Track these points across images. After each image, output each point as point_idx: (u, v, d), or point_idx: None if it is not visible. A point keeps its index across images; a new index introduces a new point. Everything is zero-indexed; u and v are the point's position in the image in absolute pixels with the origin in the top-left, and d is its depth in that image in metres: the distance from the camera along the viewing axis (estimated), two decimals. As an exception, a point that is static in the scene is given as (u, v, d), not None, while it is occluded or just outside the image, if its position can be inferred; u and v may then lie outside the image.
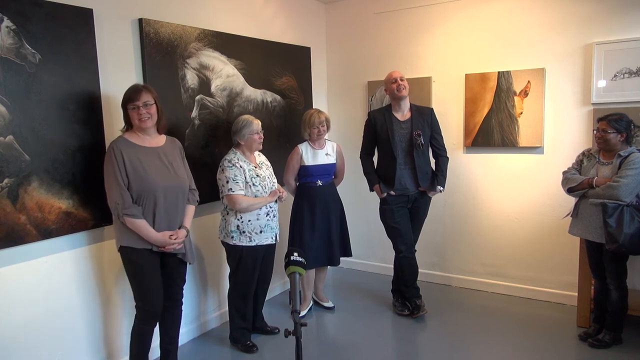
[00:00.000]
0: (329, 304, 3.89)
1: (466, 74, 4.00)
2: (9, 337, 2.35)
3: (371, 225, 4.40)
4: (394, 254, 3.67)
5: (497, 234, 4.06)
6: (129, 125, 2.54)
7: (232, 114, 3.49)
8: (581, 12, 3.53)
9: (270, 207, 3.16)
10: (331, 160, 3.64)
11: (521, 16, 3.75)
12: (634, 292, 3.17)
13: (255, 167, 3.15)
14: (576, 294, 3.45)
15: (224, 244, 3.15)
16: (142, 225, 2.45)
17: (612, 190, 2.83)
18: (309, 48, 4.42)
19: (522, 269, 3.97)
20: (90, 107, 2.63)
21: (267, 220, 3.13)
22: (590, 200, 2.95)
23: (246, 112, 3.57)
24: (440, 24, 4.11)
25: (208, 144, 3.36)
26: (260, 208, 3.09)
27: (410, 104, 3.60)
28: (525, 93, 3.77)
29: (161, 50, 3.00)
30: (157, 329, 2.78)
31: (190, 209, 2.73)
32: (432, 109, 3.69)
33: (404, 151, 3.52)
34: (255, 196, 3.08)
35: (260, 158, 3.28)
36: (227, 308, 3.30)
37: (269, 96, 3.91)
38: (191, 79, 3.21)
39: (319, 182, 3.58)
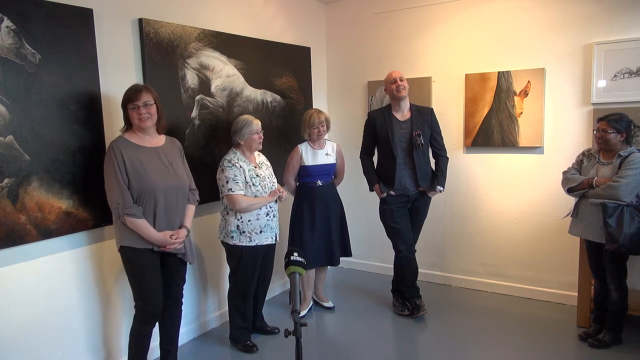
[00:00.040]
0: (329, 304, 3.89)
1: (466, 74, 4.00)
2: (9, 337, 2.35)
3: (371, 225, 4.40)
4: (394, 254, 3.67)
5: (497, 234, 4.06)
6: (128, 125, 2.54)
7: (232, 114, 3.49)
8: (581, 12, 3.53)
9: (270, 207, 3.16)
10: (331, 160, 3.64)
11: (521, 16, 3.76)
12: (634, 292, 3.17)
13: (255, 167, 3.15)
14: (576, 294, 3.45)
15: (224, 244, 3.15)
16: (143, 225, 2.45)
17: (612, 190, 2.83)
18: (309, 48, 4.42)
19: (522, 269, 3.97)
20: (90, 107, 2.63)
21: (267, 220, 3.13)
22: (590, 200, 2.95)
23: (246, 112, 3.57)
24: (440, 24, 4.11)
25: (208, 144, 3.36)
26: (260, 208, 3.09)
27: (410, 104, 3.60)
28: (525, 93, 3.77)
29: (161, 50, 3.00)
30: (156, 329, 2.78)
31: (191, 209, 2.73)
32: (432, 109, 3.69)
33: (403, 151, 3.52)
34: (255, 196, 3.08)
35: (260, 158, 3.28)
36: (227, 308, 3.30)
37: (269, 96, 3.91)
38: (191, 79, 3.21)
39: (319, 182, 3.58)
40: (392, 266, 3.76)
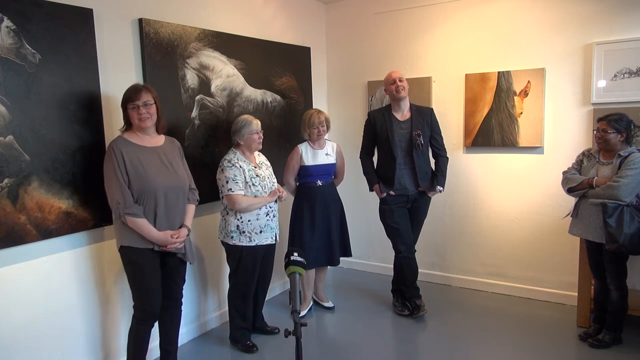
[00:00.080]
0: (329, 304, 3.89)
1: (466, 74, 4.00)
2: (9, 337, 2.35)
3: (371, 225, 4.40)
4: (394, 254, 3.67)
5: (497, 234, 4.06)
6: (128, 125, 2.54)
7: (232, 114, 3.49)
8: (581, 12, 3.53)
9: (270, 207, 3.16)
10: (331, 160, 3.64)
11: (521, 16, 3.76)
12: (634, 292, 3.17)
13: (255, 167, 3.15)
14: (576, 294, 3.45)
15: (224, 244, 3.15)
16: (144, 225, 2.45)
17: (612, 190, 2.83)
18: (309, 48, 4.42)
19: (522, 269, 3.97)
20: (90, 107, 2.63)
21: (267, 220, 3.13)
22: (590, 200, 2.95)
23: (246, 112, 3.57)
24: (440, 24, 4.11)
25: (208, 144, 3.36)
26: (260, 208, 3.09)
27: (410, 104, 3.60)
28: (525, 93, 3.77)
29: (161, 50, 3.00)
30: (156, 329, 2.78)
31: (191, 208, 2.73)
32: (431, 109, 3.69)
33: (403, 151, 3.52)
34: (255, 196, 3.08)
35: (260, 158, 3.28)
36: (227, 308, 3.30)
37: (269, 96, 3.91)
38: (191, 79, 3.21)
39: (319, 182, 3.58)
40: (392, 266, 3.76)
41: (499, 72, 3.85)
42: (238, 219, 3.05)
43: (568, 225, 3.20)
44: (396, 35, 4.34)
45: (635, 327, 3.26)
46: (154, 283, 2.57)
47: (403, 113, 3.56)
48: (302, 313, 3.71)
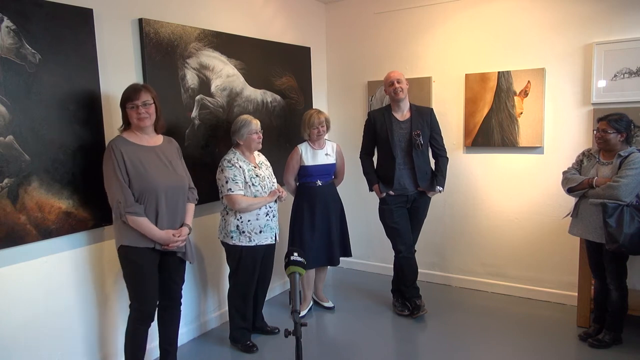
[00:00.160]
0: (329, 304, 3.89)
1: (466, 74, 4.00)
2: (9, 337, 2.35)
3: (371, 225, 4.40)
4: (393, 254, 3.67)
5: (497, 234, 4.06)
6: (127, 125, 2.54)
7: (232, 114, 3.49)
8: (581, 12, 3.53)
9: (270, 207, 3.16)
10: (331, 160, 3.64)
11: (521, 16, 3.75)
12: (634, 292, 3.16)
13: (255, 167, 3.15)
14: (576, 294, 3.45)
15: (224, 244, 3.15)
16: (145, 223, 2.45)
17: (612, 190, 2.83)
18: (309, 48, 4.42)
19: (522, 269, 3.97)
20: (90, 107, 2.63)
21: (267, 220, 3.13)
22: (590, 200, 2.95)
23: (246, 112, 3.57)
24: (440, 24, 4.11)
25: (208, 144, 3.36)
26: (260, 208, 3.09)
27: (410, 104, 3.60)
28: (525, 93, 3.77)
29: (161, 50, 3.00)
30: (155, 330, 2.78)
31: (191, 207, 2.73)
32: (431, 109, 3.69)
33: (403, 151, 3.52)
34: (255, 196, 3.08)
35: (260, 158, 3.28)
36: (227, 308, 3.30)
37: (269, 96, 3.91)
38: (191, 79, 3.21)
39: (319, 182, 3.58)
40: (392, 266, 3.76)
41: (499, 72, 3.85)
42: (238, 219, 3.05)
43: (568, 225, 3.20)
44: (396, 35, 4.34)
45: (635, 327, 3.26)
46: (153, 283, 2.57)
47: (403, 113, 3.56)
48: (302, 313, 3.71)
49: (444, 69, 4.13)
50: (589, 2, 3.50)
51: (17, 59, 2.30)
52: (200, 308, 3.48)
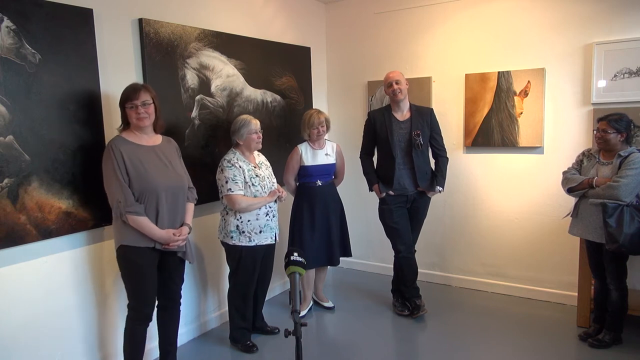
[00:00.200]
0: (329, 304, 3.89)
1: (466, 74, 4.00)
2: (9, 337, 2.35)
3: (371, 225, 4.40)
4: (393, 254, 3.67)
5: (497, 234, 4.06)
6: (125, 124, 2.54)
7: (232, 114, 3.49)
8: (581, 12, 3.53)
9: (270, 207, 3.16)
10: (331, 160, 3.64)
11: (521, 16, 3.76)
12: (634, 292, 3.16)
13: (255, 167, 3.15)
14: (576, 294, 3.45)
15: (224, 244, 3.15)
16: (145, 223, 2.45)
17: (612, 190, 2.83)
18: (309, 48, 4.42)
19: (522, 269, 3.97)
20: (90, 107, 2.63)
21: (267, 220, 3.13)
22: (590, 200, 2.95)
23: (246, 112, 3.57)
24: (440, 24, 4.11)
25: (208, 144, 3.36)
26: (260, 208, 3.09)
27: (410, 104, 3.60)
28: (525, 93, 3.77)
29: (161, 50, 3.00)
30: (155, 330, 2.78)
31: (190, 207, 2.73)
32: (431, 109, 3.69)
33: (402, 151, 3.52)
34: (255, 196, 3.08)
35: (260, 158, 3.28)
36: (227, 308, 3.30)
37: (269, 96, 3.91)
38: (191, 79, 3.21)
39: (319, 182, 3.58)
40: (392, 266, 3.76)
41: (499, 72, 3.85)
42: (238, 219, 3.05)
43: (568, 225, 3.20)
44: (396, 35, 4.34)
45: (635, 327, 3.26)
46: (152, 283, 2.57)
47: (403, 113, 3.56)
48: (302, 313, 3.71)
49: (444, 69, 4.13)
50: (589, 2, 3.50)
51: (17, 59, 2.30)
52: (200, 308, 3.48)
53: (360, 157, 3.74)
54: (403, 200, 3.57)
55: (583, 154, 3.15)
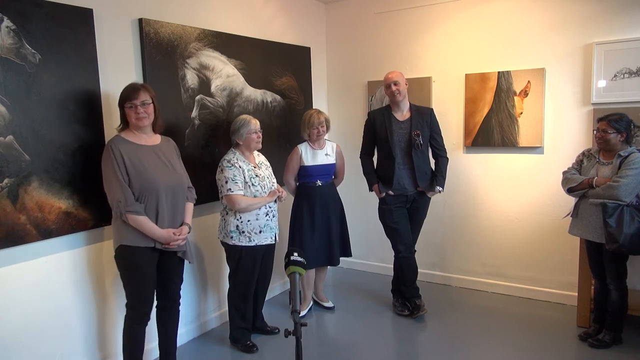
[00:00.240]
0: (329, 304, 3.89)
1: (466, 74, 4.00)
2: (9, 337, 2.35)
3: (371, 225, 4.40)
4: (393, 253, 3.67)
5: (497, 234, 4.06)
6: (125, 124, 2.54)
7: (232, 114, 3.49)
8: (581, 12, 3.53)
9: (270, 207, 3.16)
10: (331, 160, 3.64)
11: (521, 16, 3.76)
12: (634, 292, 3.16)
13: (255, 167, 3.15)
14: (576, 294, 3.45)
15: (224, 244, 3.15)
16: (146, 222, 2.45)
17: (612, 190, 2.83)
18: (309, 48, 4.42)
19: (522, 269, 3.97)
20: (90, 107, 2.63)
21: (267, 220, 3.13)
22: (590, 200, 2.95)
23: (246, 112, 3.57)
24: (440, 24, 4.11)
25: (208, 144, 3.36)
26: (260, 208, 3.09)
27: (410, 104, 3.60)
28: (525, 93, 3.77)
29: (161, 50, 3.00)
30: (155, 330, 2.78)
31: (190, 207, 2.73)
32: (431, 109, 3.69)
33: (402, 151, 3.52)
34: (255, 196, 3.08)
35: (260, 158, 3.28)
36: (227, 308, 3.30)
37: (269, 96, 3.91)
38: (191, 79, 3.21)
39: (319, 182, 3.58)
40: (392, 266, 3.76)
41: (499, 72, 3.85)
42: (237, 219, 3.05)
43: (568, 225, 3.20)
44: (396, 35, 4.34)
45: (635, 327, 3.26)
46: (151, 283, 2.58)
47: (403, 113, 3.56)
48: (302, 313, 3.71)
49: (444, 69, 4.13)
50: (589, 2, 3.50)
51: (17, 59, 2.30)
52: (200, 308, 3.48)
53: (360, 157, 3.74)
54: (403, 200, 3.57)
55: (583, 154, 3.15)
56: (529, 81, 3.74)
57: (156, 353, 2.91)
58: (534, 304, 3.85)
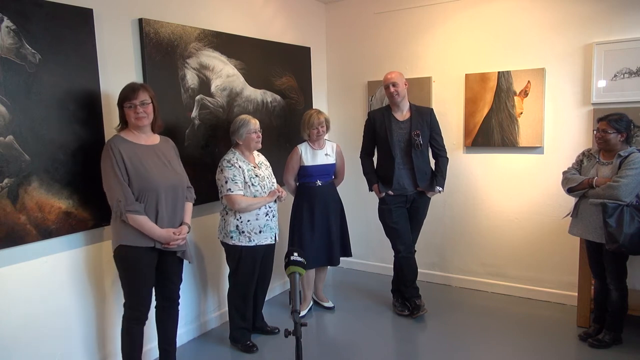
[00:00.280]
0: (329, 304, 3.89)
1: (466, 74, 4.00)
2: (9, 337, 2.35)
3: (371, 225, 4.40)
4: (393, 253, 3.67)
5: (497, 234, 4.05)
6: (124, 124, 2.54)
7: (232, 114, 3.49)
8: (581, 12, 3.53)
9: (270, 207, 3.16)
10: (330, 160, 3.64)
11: (521, 16, 3.76)
12: (634, 292, 3.16)
13: (255, 167, 3.15)
14: (576, 294, 3.45)
15: (224, 244, 3.15)
16: (146, 222, 2.45)
17: (612, 190, 2.83)
18: (309, 48, 4.42)
19: (522, 269, 3.97)
20: (90, 107, 2.63)
21: (267, 220, 3.13)
22: (590, 200, 2.95)
23: (246, 112, 3.57)
24: (440, 24, 4.11)
25: (208, 144, 3.36)
26: (260, 208, 3.09)
27: (410, 104, 3.60)
28: (525, 93, 3.77)
29: (161, 50, 3.00)
30: (154, 330, 2.78)
31: (189, 206, 2.73)
32: (431, 109, 3.69)
33: (402, 151, 3.52)
34: (254, 196, 3.08)
35: (260, 158, 3.28)
36: (227, 308, 3.30)
37: (269, 96, 3.92)
38: (191, 79, 3.21)
39: (319, 182, 3.58)
40: (392, 266, 3.76)
41: (499, 72, 3.85)
42: (237, 219, 3.05)
43: (568, 225, 3.20)
44: (396, 35, 4.34)
45: (635, 327, 3.26)
46: (149, 283, 2.58)
47: (402, 113, 3.56)
48: (302, 313, 3.71)
49: (444, 69, 4.13)
50: (589, 2, 3.50)
51: (17, 59, 2.30)
52: (200, 308, 3.48)
53: (360, 157, 3.74)
54: (402, 200, 3.57)
55: (583, 154, 3.15)
56: (529, 81, 3.74)
57: (156, 353, 2.91)
58: (534, 304, 3.85)
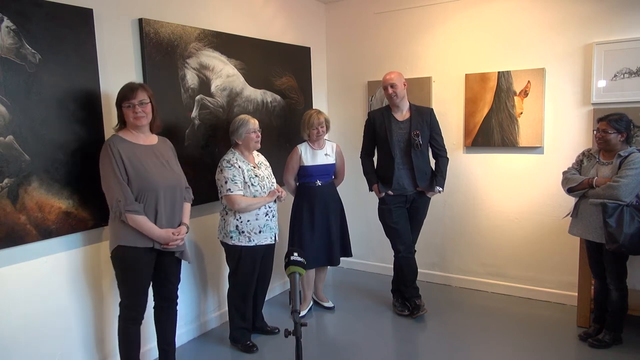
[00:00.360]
0: (329, 304, 3.89)
1: (466, 74, 4.00)
2: (9, 337, 2.35)
3: (371, 225, 4.40)
4: (393, 253, 3.67)
5: (497, 234, 4.05)
6: (122, 124, 2.54)
7: (232, 114, 3.49)
8: (581, 12, 3.53)
9: (270, 207, 3.16)
10: (330, 160, 3.64)
11: (521, 16, 3.76)
12: (634, 292, 3.16)
13: (254, 167, 3.15)
14: (576, 294, 3.45)
15: (223, 244, 3.15)
16: (145, 222, 2.45)
17: (612, 190, 2.83)
18: (309, 48, 4.42)
19: (522, 269, 3.97)
20: (90, 107, 2.63)
21: (266, 220, 3.13)
22: (590, 200, 2.95)
23: (246, 112, 3.57)
24: (440, 24, 4.11)
25: (208, 144, 3.36)
26: (259, 208, 3.09)
27: (410, 104, 3.60)
28: (525, 93, 3.77)
29: (161, 50, 3.00)
30: (153, 330, 2.78)
31: (187, 207, 2.73)
32: (431, 109, 3.68)
33: (402, 151, 3.52)
34: (254, 196, 3.08)
35: (259, 158, 3.28)
36: (227, 308, 3.30)
37: (269, 96, 3.92)
38: (191, 79, 3.21)
39: (318, 182, 3.58)
40: (392, 266, 3.76)
41: (499, 72, 3.85)
42: (237, 219, 3.05)
43: (568, 225, 3.20)
44: (396, 35, 4.34)
45: (635, 327, 3.26)
46: (147, 283, 2.58)
47: (402, 113, 3.56)
48: (302, 313, 3.71)
49: (444, 69, 4.13)
50: (589, 2, 3.50)
51: (17, 59, 2.30)
52: (200, 308, 3.48)
53: (360, 157, 3.74)
54: (402, 200, 3.57)
55: (583, 154, 3.15)
56: (529, 81, 3.74)
57: (155, 353, 2.91)
58: (534, 304, 3.85)
